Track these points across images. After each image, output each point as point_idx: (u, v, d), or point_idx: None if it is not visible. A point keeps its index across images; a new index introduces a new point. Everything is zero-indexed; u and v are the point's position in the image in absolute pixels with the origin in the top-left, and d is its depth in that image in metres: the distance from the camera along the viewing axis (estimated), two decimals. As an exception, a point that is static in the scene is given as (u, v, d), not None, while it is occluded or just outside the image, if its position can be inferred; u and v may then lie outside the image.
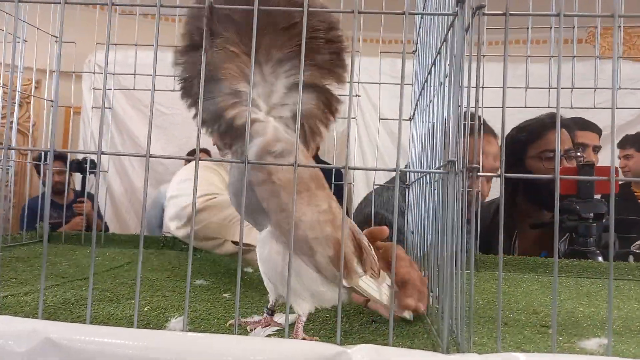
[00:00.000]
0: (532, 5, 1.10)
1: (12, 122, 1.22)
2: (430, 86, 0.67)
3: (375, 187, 1.26)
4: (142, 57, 1.37)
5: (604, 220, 1.15)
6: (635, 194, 2.23)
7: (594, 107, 1.26)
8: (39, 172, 2.07)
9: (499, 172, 0.43)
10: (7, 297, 0.67)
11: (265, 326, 0.56)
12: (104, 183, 1.76)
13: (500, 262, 0.44)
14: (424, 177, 0.74)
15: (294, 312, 0.51)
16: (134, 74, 1.36)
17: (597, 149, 1.80)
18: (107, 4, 0.45)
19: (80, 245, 1.23)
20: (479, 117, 0.49)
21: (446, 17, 0.53)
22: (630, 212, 1.71)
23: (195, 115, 0.53)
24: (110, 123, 1.71)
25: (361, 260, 0.53)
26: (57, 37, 0.49)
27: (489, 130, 1.34)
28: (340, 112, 0.55)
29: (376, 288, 0.55)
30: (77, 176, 2.47)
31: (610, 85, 0.44)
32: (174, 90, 0.53)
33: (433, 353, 0.39)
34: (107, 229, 2.49)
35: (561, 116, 0.45)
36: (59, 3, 0.46)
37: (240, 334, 0.45)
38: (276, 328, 0.55)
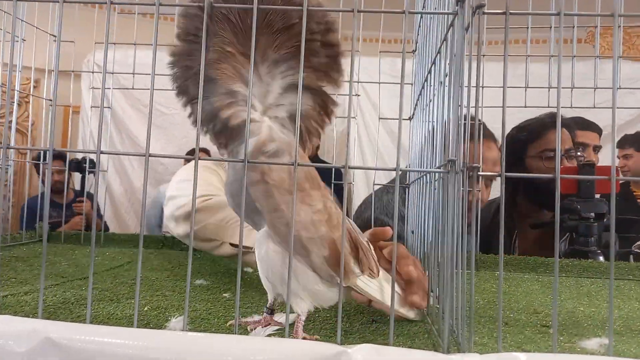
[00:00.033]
0: (531, 5, 1.10)
1: (10, 121, 1.21)
2: (430, 85, 0.67)
3: (376, 187, 1.25)
4: (141, 56, 1.37)
5: (604, 220, 1.15)
6: (635, 193, 2.24)
7: (594, 107, 1.26)
8: (38, 172, 2.07)
9: (499, 172, 0.42)
10: (6, 297, 0.66)
11: (265, 326, 0.56)
12: (103, 183, 1.76)
13: (501, 261, 0.44)
14: (424, 177, 0.74)
15: (293, 312, 0.51)
16: (133, 74, 1.36)
17: (597, 148, 1.80)
18: (105, 3, 0.45)
19: (80, 245, 1.23)
20: (479, 120, 0.49)
21: (446, 16, 0.52)
22: (630, 212, 1.72)
23: (191, 114, 0.53)
24: (109, 122, 1.71)
25: (358, 260, 0.53)
26: (55, 36, 0.49)
27: (488, 135, 1.33)
28: (335, 114, 0.55)
29: (376, 288, 0.55)
30: (77, 176, 2.47)
31: (610, 85, 0.44)
32: (173, 90, 0.53)
33: (434, 353, 0.38)
34: (107, 228, 2.49)
35: (562, 116, 0.45)
36: (58, 2, 0.46)
37: (240, 334, 0.45)
38: (276, 327, 0.55)
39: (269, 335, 0.54)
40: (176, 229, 0.98)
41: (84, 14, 1.34)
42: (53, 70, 0.50)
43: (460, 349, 0.45)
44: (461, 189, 0.45)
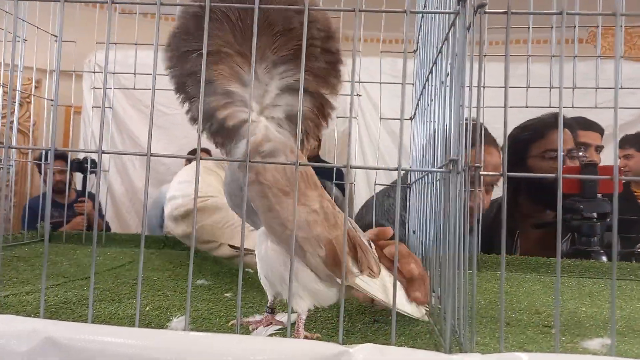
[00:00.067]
0: (532, 5, 1.10)
1: (12, 121, 1.22)
2: (432, 85, 0.67)
3: (377, 187, 1.25)
4: (142, 56, 1.37)
5: (607, 220, 1.14)
6: (635, 193, 2.23)
7: (596, 107, 1.26)
8: (40, 172, 2.07)
9: (501, 172, 0.42)
10: (8, 297, 0.67)
11: (267, 325, 0.56)
12: (104, 183, 1.75)
13: (503, 262, 0.44)
14: (425, 177, 0.74)
15: (294, 312, 0.51)
16: (134, 74, 1.36)
17: (599, 148, 1.79)
18: (107, 2, 0.45)
19: (81, 245, 1.23)
20: (481, 127, 0.49)
21: (447, 15, 0.52)
22: (631, 212, 1.71)
23: (188, 111, 0.53)
24: (110, 123, 1.71)
25: (357, 260, 0.53)
26: (57, 37, 0.49)
27: (490, 141, 1.32)
28: (333, 117, 0.55)
29: (378, 287, 0.55)
30: (78, 176, 2.47)
31: (611, 85, 0.44)
32: (173, 90, 0.53)
33: (436, 353, 0.38)
34: (108, 228, 2.49)
35: (563, 116, 0.44)
36: (59, 1, 0.46)
37: (242, 334, 0.45)
38: (278, 327, 0.55)
39: (271, 334, 0.54)
40: (175, 229, 0.99)
41: (85, 14, 1.34)
42: (54, 71, 0.50)
43: (462, 349, 0.45)
44: (463, 189, 0.45)
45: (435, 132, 0.63)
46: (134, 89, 1.41)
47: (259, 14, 0.44)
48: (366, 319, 0.62)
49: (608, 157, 1.83)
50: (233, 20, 0.50)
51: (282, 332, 0.54)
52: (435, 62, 0.63)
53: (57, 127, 0.50)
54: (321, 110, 0.54)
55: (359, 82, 1.53)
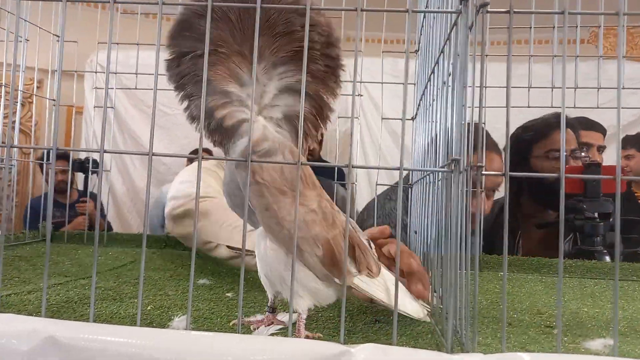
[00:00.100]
0: (534, 5, 1.10)
1: (14, 121, 1.22)
2: (433, 85, 0.67)
3: (378, 187, 1.25)
4: (144, 56, 1.37)
5: (610, 220, 1.14)
6: (636, 194, 2.23)
7: (598, 107, 1.25)
8: (42, 172, 2.07)
9: (503, 171, 0.42)
10: (10, 296, 0.67)
11: (268, 325, 0.56)
12: (106, 182, 1.76)
13: (505, 262, 0.44)
14: (427, 177, 0.74)
15: (295, 312, 0.51)
16: (136, 74, 1.36)
17: (601, 148, 1.79)
18: (108, 2, 0.45)
19: (83, 245, 1.23)
20: (483, 129, 0.49)
21: (449, 15, 0.52)
22: (632, 213, 1.71)
23: (187, 108, 0.53)
24: (112, 123, 1.71)
25: (355, 260, 0.53)
26: (58, 37, 0.49)
27: (491, 146, 1.32)
28: (332, 120, 0.55)
29: (378, 287, 0.55)
30: (80, 176, 2.47)
31: (613, 85, 0.44)
32: (175, 90, 0.53)
33: (438, 353, 0.38)
34: (110, 228, 2.50)
35: (566, 116, 0.44)
36: (61, 1, 0.46)
37: (243, 334, 0.45)
38: (279, 326, 0.55)
39: (272, 334, 0.54)
40: (174, 229, 0.99)
41: (87, 14, 1.35)
42: (56, 71, 0.50)
43: (464, 349, 0.45)
44: (465, 188, 0.45)
45: (437, 132, 0.62)
46: (136, 89, 1.41)
47: (261, 13, 0.44)
48: (367, 319, 0.62)
49: (610, 157, 1.83)
50: (233, 20, 0.50)
51: (283, 332, 0.54)
52: (437, 62, 0.63)
53: (59, 127, 0.50)
54: (320, 112, 0.54)
55: (361, 82, 1.53)
